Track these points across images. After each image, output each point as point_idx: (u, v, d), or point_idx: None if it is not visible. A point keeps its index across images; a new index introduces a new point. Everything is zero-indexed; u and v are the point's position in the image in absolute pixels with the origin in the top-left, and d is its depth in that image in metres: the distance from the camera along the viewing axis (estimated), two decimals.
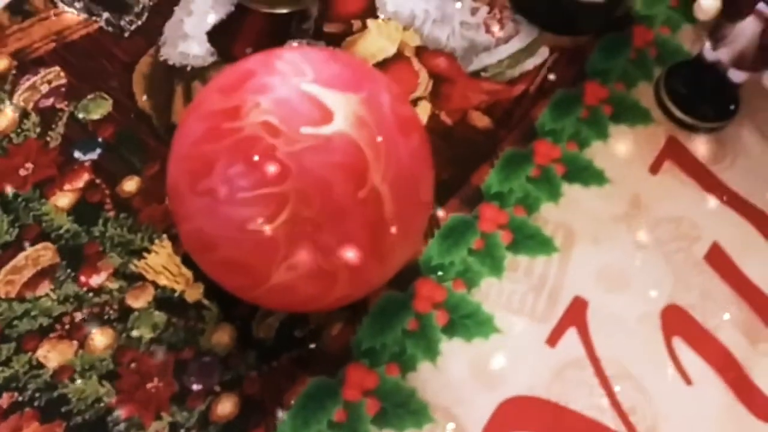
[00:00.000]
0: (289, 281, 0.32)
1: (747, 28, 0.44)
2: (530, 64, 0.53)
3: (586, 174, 0.49)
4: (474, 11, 0.54)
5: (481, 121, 0.50)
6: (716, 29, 0.47)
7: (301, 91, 0.31)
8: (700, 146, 0.51)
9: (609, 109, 0.52)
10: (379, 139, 0.31)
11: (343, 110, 0.31)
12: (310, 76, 0.32)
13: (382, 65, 0.51)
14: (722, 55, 0.47)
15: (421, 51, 0.52)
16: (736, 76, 0.48)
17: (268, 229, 0.30)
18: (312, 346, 0.41)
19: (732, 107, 0.52)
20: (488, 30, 0.54)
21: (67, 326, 0.40)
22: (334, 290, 0.33)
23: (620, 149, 0.50)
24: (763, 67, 0.47)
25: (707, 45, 0.48)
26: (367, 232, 0.31)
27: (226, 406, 0.39)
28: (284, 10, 0.51)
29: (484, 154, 0.49)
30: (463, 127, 0.50)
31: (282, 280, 0.32)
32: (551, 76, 0.52)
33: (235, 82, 0.32)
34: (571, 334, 0.44)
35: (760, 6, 0.43)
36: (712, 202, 0.49)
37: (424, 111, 0.50)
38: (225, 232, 0.31)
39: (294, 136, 0.30)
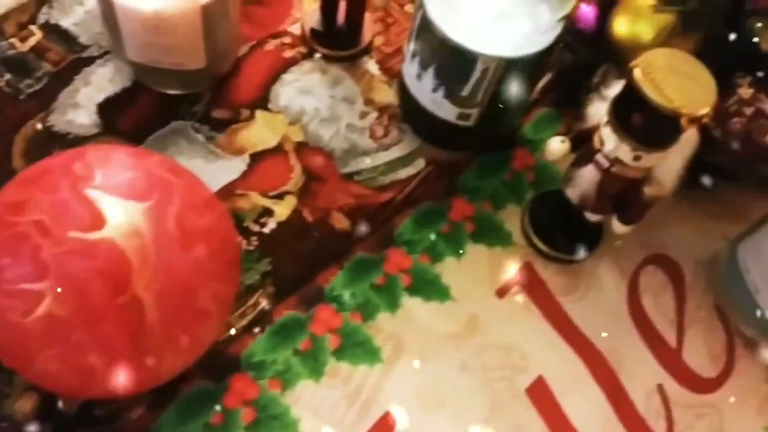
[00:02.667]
0: (48, 371, 0.33)
1: (587, 175, 0.46)
2: (404, 173, 0.54)
3: (431, 289, 0.50)
4: (363, 115, 0.56)
5: (341, 222, 0.52)
6: (566, 170, 0.48)
7: (82, 196, 0.33)
8: (553, 276, 0.52)
9: (471, 227, 0.53)
10: (150, 249, 0.33)
11: (118, 218, 0.33)
12: (98, 181, 0.34)
13: (260, 156, 0.53)
14: (571, 194, 0.48)
15: (301, 147, 0.54)
16: (589, 215, 0.50)
17: (24, 321, 0.32)
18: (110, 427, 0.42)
19: (592, 242, 0.53)
20: (372, 135, 0.56)
21: None
22: (94, 386, 0.34)
23: (472, 268, 0.51)
24: (604, 212, 0.48)
25: None
26: (125, 336, 0.33)
27: None
28: (177, 92, 0.54)
29: (335, 255, 0.50)
30: (322, 226, 0.51)
31: (42, 368, 0.33)
32: (421, 188, 0.54)
33: (34, 176, 0.35)
34: None
35: (598, 156, 0.45)
36: (550, 333, 0.50)
37: (288, 205, 0.52)
38: None
39: (61, 238, 0.32)
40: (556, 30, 0.47)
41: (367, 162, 0.54)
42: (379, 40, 0.60)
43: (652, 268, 0.54)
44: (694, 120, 0.40)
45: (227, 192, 0.51)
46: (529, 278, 0.52)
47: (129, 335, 0.33)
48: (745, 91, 0.44)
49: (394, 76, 0.58)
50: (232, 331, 0.46)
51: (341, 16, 0.57)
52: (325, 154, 0.54)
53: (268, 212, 0.51)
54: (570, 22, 0.56)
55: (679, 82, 0.40)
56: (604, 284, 0.52)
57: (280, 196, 0.52)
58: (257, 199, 0.52)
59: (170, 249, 0.34)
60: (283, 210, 0.52)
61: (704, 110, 0.40)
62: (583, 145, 0.47)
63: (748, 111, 0.44)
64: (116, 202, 0.33)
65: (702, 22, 0.45)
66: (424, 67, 0.50)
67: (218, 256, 0.37)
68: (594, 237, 0.53)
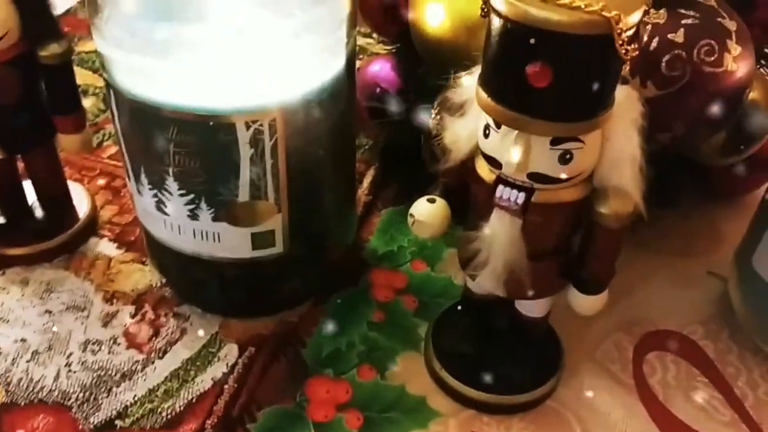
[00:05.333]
0: None
1: (498, 233, 0.25)
2: (207, 379, 0.30)
3: None
4: (107, 320, 0.33)
5: None
6: (460, 246, 0.28)
7: None
8: None
9: (356, 419, 0.29)
10: None
11: None
12: None
13: None
14: (485, 284, 0.27)
15: (4, 413, 0.29)
16: (525, 307, 0.29)
17: None
18: None
19: (550, 355, 0.31)
20: (133, 343, 0.32)
21: None
22: None
23: None
24: (548, 290, 0.27)
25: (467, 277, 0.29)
26: None
27: None
28: None
29: None
30: None
31: None
32: (244, 393, 0.30)
33: None
34: None
35: (499, 191, 0.25)
36: None
37: None
38: None
39: None
40: (342, 44, 0.29)
41: (135, 391, 0.30)
42: (108, 211, 0.38)
43: (656, 355, 0.33)
44: (631, 36, 0.22)
45: None
46: None
47: None
48: (654, 14, 0.28)
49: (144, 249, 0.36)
50: None
51: (31, 195, 0.36)
52: (53, 408, 0.29)
53: None
54: (370, 92, 0.40)
55: None
56: (608, 413, 0.30)
57: None
58: None
59: None
60: None
61: (640, 10, 0.22)
62: (467, 195, 0.27)
63: (677, 37, 0.27)
64: None
65: None
66: (154, 183, 0.28)
67: None
68: (549, 344, 0.31)
